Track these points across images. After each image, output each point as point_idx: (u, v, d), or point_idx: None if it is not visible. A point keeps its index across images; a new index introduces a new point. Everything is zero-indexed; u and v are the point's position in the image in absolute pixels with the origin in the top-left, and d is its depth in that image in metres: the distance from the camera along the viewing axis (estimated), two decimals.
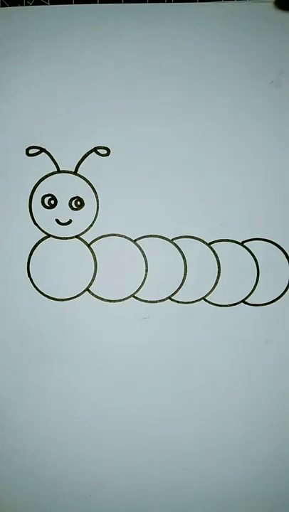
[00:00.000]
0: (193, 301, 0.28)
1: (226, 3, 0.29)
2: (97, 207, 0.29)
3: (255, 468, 0.29)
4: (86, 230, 0.29)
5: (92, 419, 0.29)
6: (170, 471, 0.29)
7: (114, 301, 0.29)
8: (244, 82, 0.29)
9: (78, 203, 0.29)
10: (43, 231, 0.29)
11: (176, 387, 0.29)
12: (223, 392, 0.29)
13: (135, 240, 0.29)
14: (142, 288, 0.29)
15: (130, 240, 0.29)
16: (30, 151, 0.29)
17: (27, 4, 0.30)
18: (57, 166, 0.29)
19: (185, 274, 0.29)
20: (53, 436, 0.29)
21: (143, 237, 0.29)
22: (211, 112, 0.29)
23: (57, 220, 0.29)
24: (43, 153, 0.29)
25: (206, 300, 0.29)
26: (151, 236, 0.29)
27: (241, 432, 0.29)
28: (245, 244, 0.28)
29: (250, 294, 0.28)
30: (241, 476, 0.29)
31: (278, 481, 0.29)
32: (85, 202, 0.29)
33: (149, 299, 0.29)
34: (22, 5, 0.30)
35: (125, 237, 0.29)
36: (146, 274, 0.29)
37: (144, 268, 0.29)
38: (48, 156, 0.29)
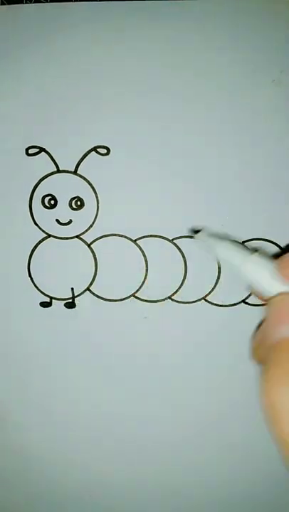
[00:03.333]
0: (193, 301, 0.28)
1: (227, 1, 0.29)
2: (97, 207, 0.29)
3: (256, 468, 0.29)
4: (86, 230, 0.29)
5: (92, 419, 0.29)
6: (170, 471, 0.29)
7: (115, 300, 0.29)
8: (246, 80, 0.29)
9: (78, 203, 0.29)
10: (43, 231, 0.29)
11: (176, 386, 0.29)
12: (223, 391, 0.29)
13: (135, 240, 0.29)
14: (142, 288, 0.29)
15: (130, 239, 0.29)
16: (30, 151, 0.29)
17: (27, 3, 0.29)
18: (57, 166, 0.29)
19: (185, 274, 0.29)
20: (52, 437, 0.29)
21: (143, 237, 0.29)
22: (212, 110, 0.29)
23: (57, 220, 0.29)
24: (43, 152, 0.29)
25: (206, 300, 0.29)
26: (151, 236, 0.29)
27: (242, 431, 0.29)
28: (245, 244, 0.28)
29: (250, 294, 0.28)
30: (242, 475, 0.29)
31: (279, 483, 0.29)
32: (85, 202, 0.29)
33: (149, 299, 0.29)
34: (22, 3, 0.29)
35: (125, 237, 0.29)
36: (146, 274, 0.29)
37: (144, 268, 0.29)
38: (47, 156, 0.29)
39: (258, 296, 0.17)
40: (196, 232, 0.24)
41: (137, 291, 0.29)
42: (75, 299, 0.29)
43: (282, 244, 0.28)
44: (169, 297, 0.29)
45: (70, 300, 0.29)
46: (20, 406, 0.29)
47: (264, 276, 0.18)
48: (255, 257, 0.19)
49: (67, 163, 0.29)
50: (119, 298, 0.29)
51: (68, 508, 0.29)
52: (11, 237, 0.29)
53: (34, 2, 0.29)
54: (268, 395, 0.14)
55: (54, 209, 0.29)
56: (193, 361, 0.29)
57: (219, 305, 0.29)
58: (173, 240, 0.29)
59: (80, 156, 0.29)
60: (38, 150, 0.29)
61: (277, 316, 0.16)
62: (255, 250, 0.20)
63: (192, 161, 0.29)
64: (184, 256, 0.28)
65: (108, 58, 0.29)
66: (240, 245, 0.21)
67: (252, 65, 0.29)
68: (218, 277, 0.28)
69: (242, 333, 0.29)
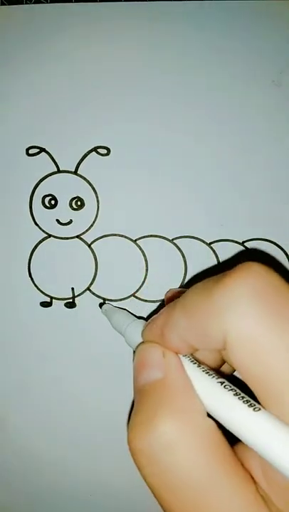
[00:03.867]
0: None
1: (226, 1, 0.29)
2: (98, 207, 0.29)
3: None
4: (87, 230, 0.29)
5: (92, 418, 0.29)
6: None
7: (115, 300, 0.29)
8: (245, 81, 0.29)
9: (79, 203, 0.29)
10: (43, 231, 0.29)
11: None
12: None
13: (135, 240, 0.29)
14: (141, 288, 0.29)
15: (130, 239, 0.29)
16: (30, 151, 0.29)
17: (27, 3, 0.29)
18: (57, 166, 0.29)
19: (185, 274, 0.29)
20: (52, 435, 0.29)
21: (143, 237, 0.29)
22: (211, 111, 0.29)
23: (57, 221, 0.29)
24: (43, 153, 0.29)
25: None
26: (151, 236, 0.29)
27: None
28: (245, 244, 0.28)
29: None
30: None
31: None
32: (85, 202, 0.29)
33: (149, 299, 0.29)
34: (22, 4, 0.29)
35: (125, 237, 0.29)
36: (146, 274, 0.29)
37: (144, 268, 0.29)
38: (48, 156, 0.29)
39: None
40: (102, 304, 0.29)
41: (137, 291, 0.29)
42: (75, 299, 0.29)
43: (283, 244, 0.28)
44: None
45: (70, 300, 0.29)
46: (20, 406, 0.29)
47: (133, 337, 0.21)
48: (132, 324, 0.23)
49: (67, 164, 0.29)
50: (119, 298, 0.29)
51: (68, 508, 0.29)
52: (11, 237, 0.29)
53: (34, 2, 0.29)
54: (129, 443, 0.15)
55: (54, 209, 0.29)
56: None
57: None
58: (173, 239, 0.29)
59: (81, 156, 0.29)
60: (38, 150, 0.29)
61: (135, 366, 0.17)
62: (140, 318, 0.25)
63: (192, 160, 0.29)
64: (184, 256, 0.29)
65: (108, 59, 0.29)
66: (130, 316, 0.26)
67: (252, 65, 0.29)
68: None
69: None
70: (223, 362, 0.19)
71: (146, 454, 0.14)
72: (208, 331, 0.15)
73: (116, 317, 0.26)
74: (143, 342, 0.19)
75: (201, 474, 0.14)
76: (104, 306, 0.28)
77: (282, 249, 0.28)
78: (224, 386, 0.15)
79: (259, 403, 0.14)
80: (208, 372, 0.16)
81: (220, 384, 0.15)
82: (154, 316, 0.18)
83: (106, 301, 0.29)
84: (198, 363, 0.17)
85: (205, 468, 0.14)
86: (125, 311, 0.27)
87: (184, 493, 0.14)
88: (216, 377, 0.16)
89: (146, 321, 0.21)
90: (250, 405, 0.14)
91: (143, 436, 0.14)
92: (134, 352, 0.18)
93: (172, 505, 0.14)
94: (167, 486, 0.14)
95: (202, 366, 0.16)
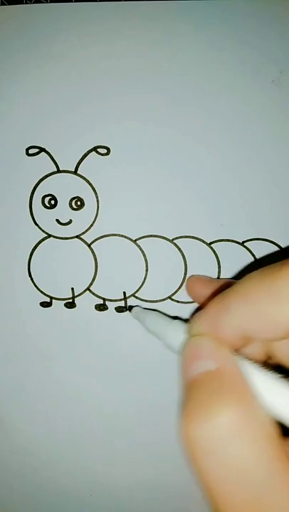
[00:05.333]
0: (193, 301, 0.28)
1: (226, 1, 0.29)
2: (98, 207, 0.29)
3: None
4: (86, 230, 0.29)
5: (92, 419, 0.29)
6: (171, 470, 0.29)
7: (115, 300, 0.29)
8: (245, 81, 0.29)
9: (78, 203, 0.29)
10: (43, 231, 0.29)
11: (176, 386, 0.29)
12: None
13: (135, 240, 0.29)
14: (142, 288, 0.29)
15: (130, 239, 0.29)
16: (30, 151, 0.29)
17: (27, 3, 0.29)
18: (57, 166, 0.29)
19: (185, 274, 0.29)
20: (52, 436, 0.29)
21: (143, 237, 0.29)
22: (211, 111, 0.29)
23: (57, 220, 0.29)
24: (43, 153, 0.29)
25: None
26: (151, 236, 0.29)
27: None
28: (245, 244, 0.28)
29: None
30: None
31: None
32: (85, 202, 0.29)
33: (149, 299, 0.29)
34: (22, 4, 0.29)
35: (125, 237, 0.29)
36: (146, 274, 0.29)
37: (144, 268, 0.29)
38: (47, 156, 0.29)
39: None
40: (131, 308, 0.28)
41: (137, 291, 0.29)
42: (75, 299, 0.29)
43: (283, 244, 0.28)
44: (169, 297, 0.29)
45: (70, 300, 0.29)
46: (20, 406, 0.29)
47: (177, 335, 0.21)
48: (172, 323, 0.22)
49: (67, 163, 0.29)
50: (119, 298, 0.29)
51: (68, 507, 0.29)
52: (11, 237, 0.29)
53: (34, 2, 0.29)
54: (184, 431, 0.14)
55: (54, 209, 0.29)
56: None
57: None
58: (173, 239, 0.29)
59: (80, 156, 0.29)
60: (38, 150, 0.29)
61: (186, 358, 0.17)
62: (175, 318, 0.24)
63: (192, 160, 0.29)
64: (184, 256, 0.29)
65: (108, 58, 0.29)
66: (165, 316, 0.25)
67: (252, 65, 0.29)
68: (218, 277, 0.29)
69: None
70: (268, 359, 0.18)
71: (202, 443, 0.14)
72: (273, 316, 0.14)
73: (151, 318, 0.25)
74: (191, 336, 0.18)
75: (261, 468, 0.13)
76: (134, 309, 0.28)
77: (282, 249, 0.28)
78: (284, 381, 0.15)
79: None
80: (263, 368, 0.16)
81: (279, 378, 0.15)
82: (203, 310, 0.18)
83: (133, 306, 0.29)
84: (250, 359, 0.16)
85: (265, 462, 0.13)
86: (158, 312, 0.27)
87: (239, 487, 0.13)
88: (273, 372, 0.15)
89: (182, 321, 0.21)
90: None
91: (200, 424, 0.14)
92: (181, 352, 0.18)
93: (224, 499, 0.13)
94: (222, 478, 0.13)
95: (256, 362, 0.16)
